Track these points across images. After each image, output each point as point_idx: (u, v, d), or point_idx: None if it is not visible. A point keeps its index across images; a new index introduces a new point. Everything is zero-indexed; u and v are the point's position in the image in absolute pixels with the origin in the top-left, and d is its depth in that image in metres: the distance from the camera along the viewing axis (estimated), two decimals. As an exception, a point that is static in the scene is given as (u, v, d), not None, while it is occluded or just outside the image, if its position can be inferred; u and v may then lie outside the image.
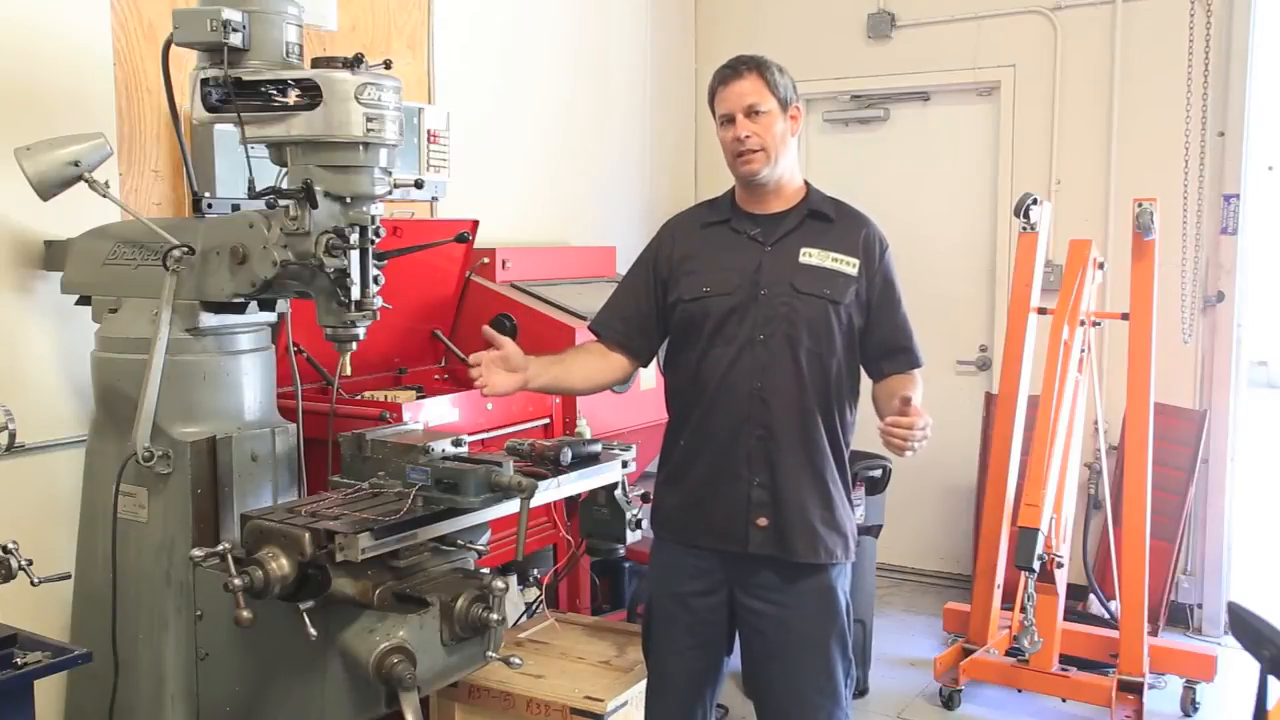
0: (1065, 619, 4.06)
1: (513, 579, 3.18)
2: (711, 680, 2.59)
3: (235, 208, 2.90)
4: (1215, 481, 4.69)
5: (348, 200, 2.35)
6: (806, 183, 2.59)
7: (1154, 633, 4.22)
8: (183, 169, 2.92)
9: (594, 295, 4.02)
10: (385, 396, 3.31)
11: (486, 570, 2.39)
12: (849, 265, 2.46)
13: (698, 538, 2.51)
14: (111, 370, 2.56)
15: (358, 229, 2.34)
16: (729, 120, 2.46)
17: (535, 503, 2.31)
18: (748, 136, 2.43)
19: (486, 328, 2.45)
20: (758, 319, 2.43)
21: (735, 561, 2.48)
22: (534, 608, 3.36)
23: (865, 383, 2.60)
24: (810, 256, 2.46)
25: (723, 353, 2.45)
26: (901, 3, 5.24)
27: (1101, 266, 4.04)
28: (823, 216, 2.51)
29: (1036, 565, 3.46)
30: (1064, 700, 3.94)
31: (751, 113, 2.43)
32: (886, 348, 2.51)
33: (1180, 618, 4.74)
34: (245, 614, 2.06)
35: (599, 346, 2.63)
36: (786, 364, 2.42)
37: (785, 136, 2.47)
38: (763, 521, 2.43)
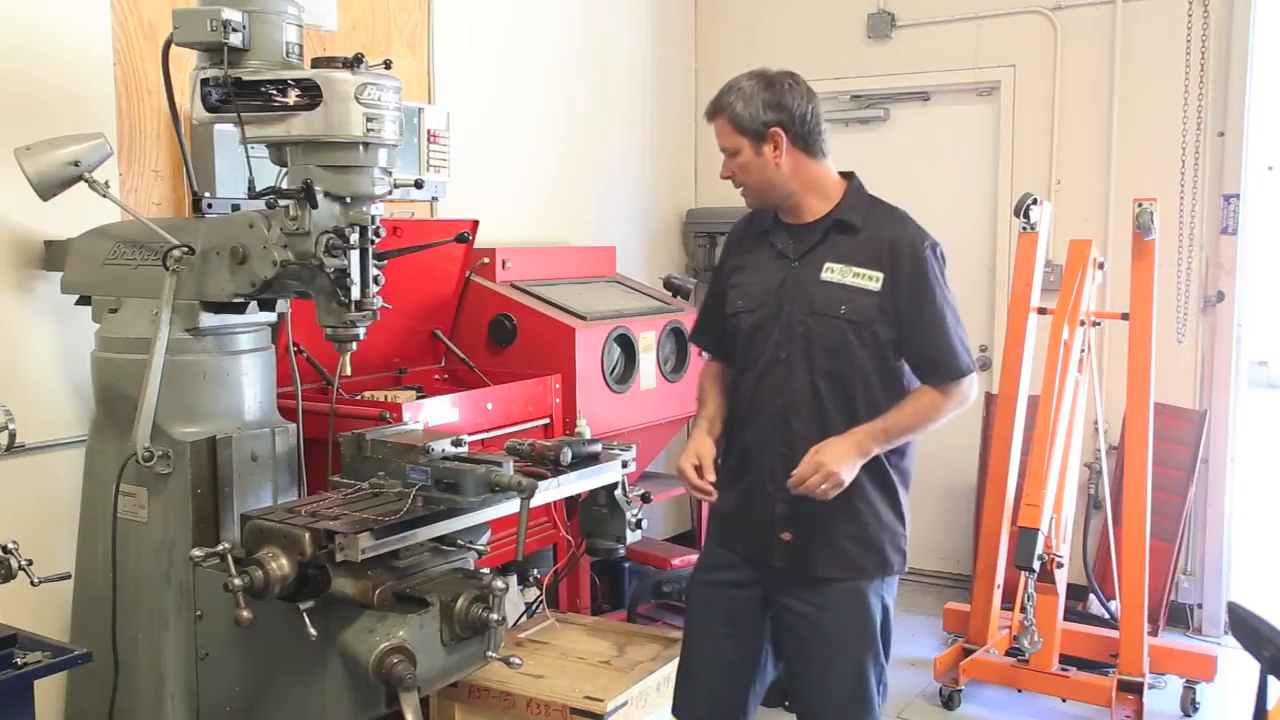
0: (1065, 619, 4.06)
1: (513, 579, 3.18)
2: (747, 673, 2.56)
3: (235, 208, 2.90)
4: (1215, 481, 4.69)
5: (348, 200, 2.35)
6: (850, 181, 2.53)
7: (1154, 633, 4.22)
8: (183, 169, 2.92)
9: (594, 295, 4.02)
10: (385, 396, 3.31)
11: (486, 570, 2.39)
12: (871, 280, 2.39)
13: (734, 543, 2.58)
14: (111, 370, 2.56)
15: (358, 229, 2.34)
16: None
17: (535, 503, 2.31)
18: (729, 176, 2.49)
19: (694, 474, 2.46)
20: (780, 338, 2.44)
21: (766, 569, 2.52)
22: (534, 608, 3.36)
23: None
24: (832, 273, 2.41)
25: (752, 370, 2.49)
26: (901, 3, 5.24)
27: (1101, 266, 4.04)
28: (848, 228, 2.44)
29: (1036, 565, 3.46)
30: (1064, 700, 3.94)
31: (727, 153, 2.46)
32: (918, 358, 2.43)
33: (1180, 618, 4.74)
34: (245, 614, 2.06)
35: (719, 365, 2.66)
36: (805, 384, 2.42)
37: (765, 167, 2.42)
38: (786, 536, 2.45)
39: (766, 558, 2.49)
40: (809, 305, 2.41)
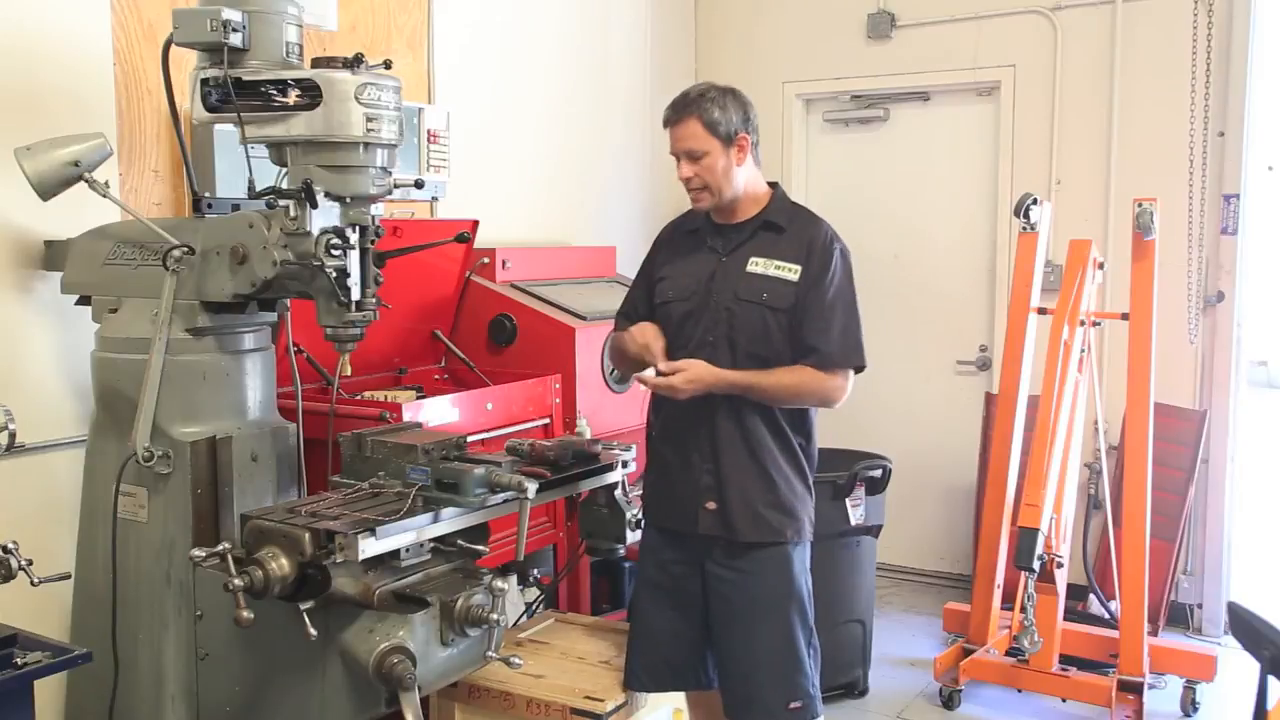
0: (1065, 619, 4.06)
1: (513, 579, 3.18)
2: (699, 642, 2.72)
3: (235, 208, 2.90)
4: (1215, 481, 4.69)
5: (347, 200, 2.35)
6: (774, 189, 2.75)
7: (1154, 633, 4.22)
8: (183, 169, 2.92)
9: (594, 295, 4.02)
10: (385, 396, 3.31)
11: (486, 570, 2.39)
12: (790, 271, 2.63)
13: (663, 520, 2.76)
14: (111, 370, 2.56)
15: (358, 229, 2.34)
16: (676, 158, 2.68)
17: (535, 503, 2.32)
18: (691, 178, 2.65)
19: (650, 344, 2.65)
20: (708, 323, 2.65)
21: (693, 540, 2.69)
22: (534, 608, 3.36)
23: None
24: (757, 265, 2.64)
25: (682, 351, 2.66)
26: (901, 3, 5.24)
27: (1101, 266, 4.04)
28: (774, 227, 2.68)
29: (1036, 565, 3.46)
30: (1064, 700, 3.94)
31: (691, 156, 2.61)
32: (797, 339, 2.62)
33: (1180, 618, 4.74)
34: (245, 614, 2.06)
35: None
36: (728, 364, 2.61)
37: (730, 169, 2.64)
38: (711, 505, 2.65)
39: (692, 527, 2.66)
40: (734, 293, 2.63)
